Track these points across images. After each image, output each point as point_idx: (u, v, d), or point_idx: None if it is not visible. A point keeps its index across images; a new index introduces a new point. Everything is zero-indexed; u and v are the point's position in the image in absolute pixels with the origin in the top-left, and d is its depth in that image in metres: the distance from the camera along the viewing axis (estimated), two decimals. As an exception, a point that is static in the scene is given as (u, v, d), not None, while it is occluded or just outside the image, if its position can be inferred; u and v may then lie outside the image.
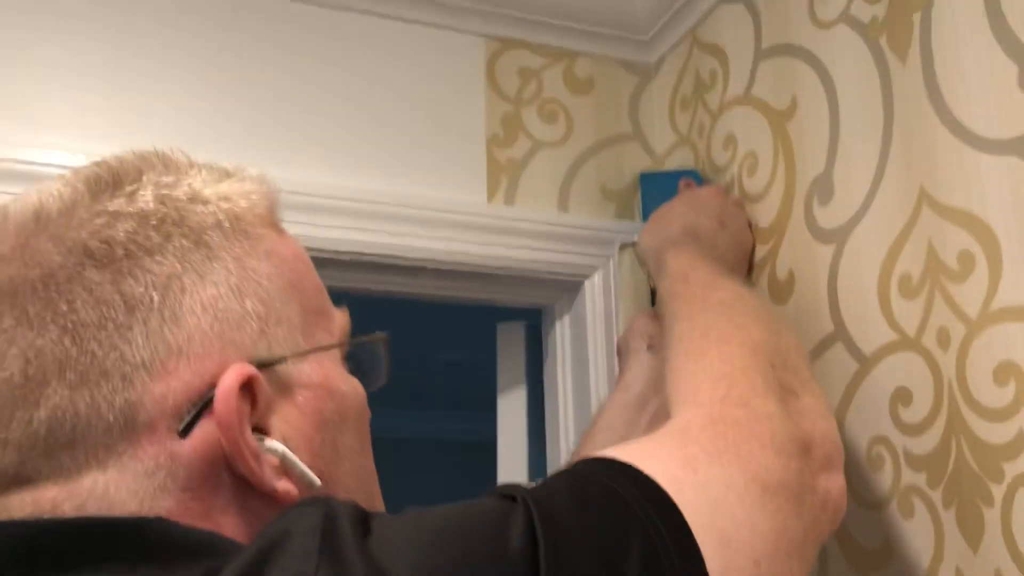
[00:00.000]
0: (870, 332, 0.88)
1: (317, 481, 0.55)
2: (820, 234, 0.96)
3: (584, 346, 1.18)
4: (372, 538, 0.47)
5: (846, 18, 0.95)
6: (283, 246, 0.62)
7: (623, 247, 1.19)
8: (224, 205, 0.59)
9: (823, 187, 0.96)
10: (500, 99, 1.22)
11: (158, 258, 0.54)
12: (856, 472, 0.87)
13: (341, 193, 1.09)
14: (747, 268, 1.04)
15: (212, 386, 0.53)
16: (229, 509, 0.53)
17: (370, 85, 1.17)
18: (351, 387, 0.61)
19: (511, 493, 0.50)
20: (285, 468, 0.54)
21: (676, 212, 1.02)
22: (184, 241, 0.55)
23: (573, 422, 1.19)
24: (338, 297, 0.67)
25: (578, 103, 1.25)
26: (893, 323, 0.86)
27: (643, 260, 1.03)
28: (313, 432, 0.57)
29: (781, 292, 1.01)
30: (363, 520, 0.48)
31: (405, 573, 0.45)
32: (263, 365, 0.55)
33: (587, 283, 1.19)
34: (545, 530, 0.47)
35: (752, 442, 0.58)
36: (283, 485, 0.53)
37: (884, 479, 0.85)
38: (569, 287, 1.21)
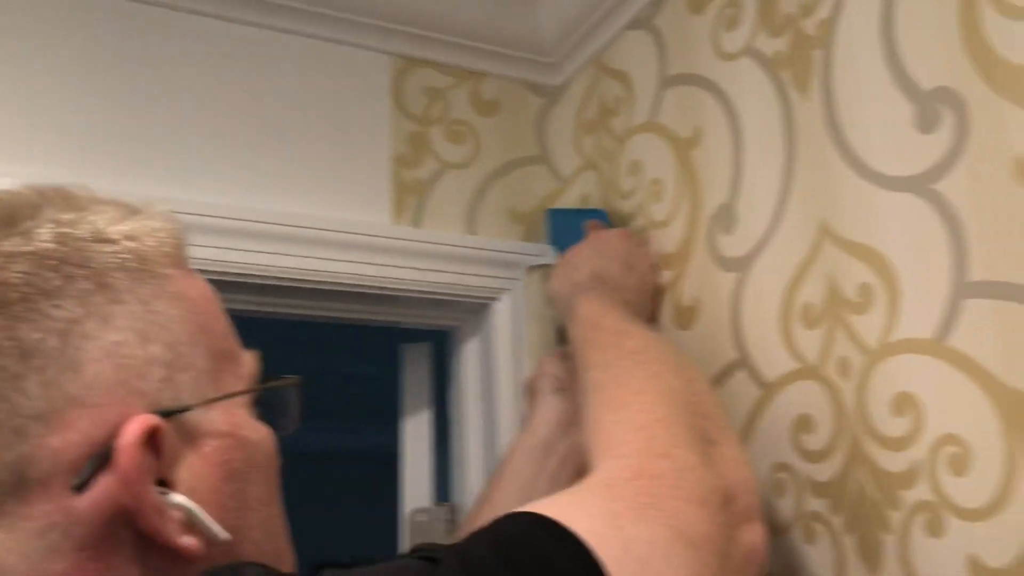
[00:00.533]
0: (773, 360, 0.90)
1: (224, 535, 0.53)
2: (724, 263, 0.98)
3: (492, 368, 1.17)
4: None
5: (750, 51, 0.97)
6: (191, 287, 0.59)
7: (531, 269, 1.18)
8: (130, 244, 0.56)
9: (727, 216, 0.98)
10: (406, 118, 1.20)
11: (57, 302, 0.51)
12: (759, 497, 0.89)
13: (241, 214, 1.06)
14: (653, 311, 1.05)
15: (113, 437, 0.50)
16: (129, 568, 0.51)
17: (272, 102, 1.13)
18: (261, 435, 0.59)
19: (433, 555, 0.49)
20: (190, 522, 0.52)
21: (584, 257, 1.02)
22: (86, 283, 0.52)
23: (480, 444, 1.18)
24: (244, 329, 0.65)
25: (485, 124, 1.25)
26: (795, 352, 0.88)
27: (553, 305, 1.03)
28: (221, 483, 0.55)
29: (686, 319, 1.02)
30: None
31: None
32: (168, 414, 0.52)
33: (495, 305, 1.18)
34: None
35: (676, 496, 0.58)
36: (188, 540, 0.51)
37: (786, 504, 0.87)
38: (476, 309, 1.20)
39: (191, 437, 0.54)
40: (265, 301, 1.11)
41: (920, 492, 0.74)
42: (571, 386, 0.99)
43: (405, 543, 1.22)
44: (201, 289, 0.61)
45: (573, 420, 0.98)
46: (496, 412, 1.15)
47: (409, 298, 1.15)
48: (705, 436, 0.68)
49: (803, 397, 0.87)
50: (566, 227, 1.15)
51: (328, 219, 1.10)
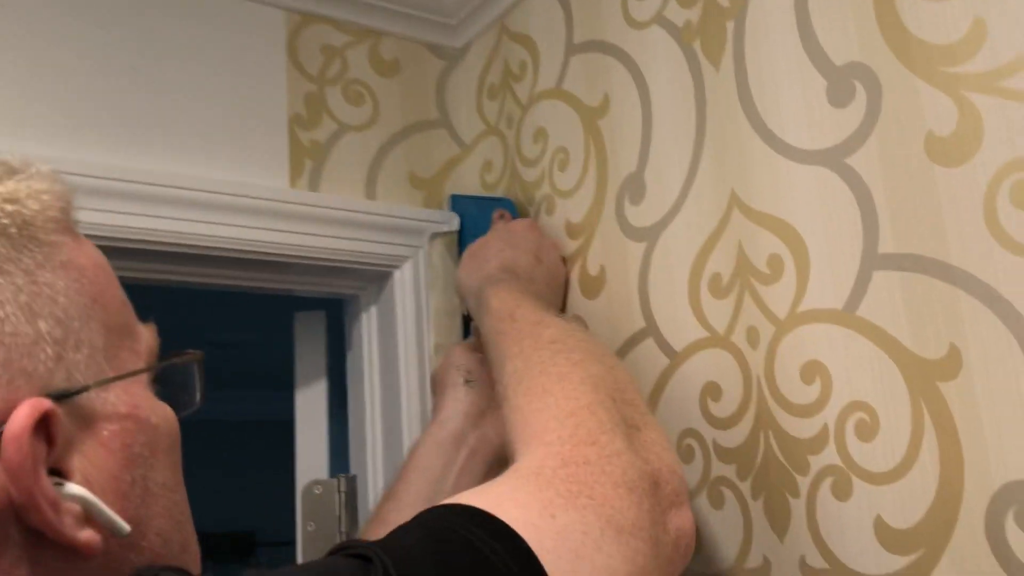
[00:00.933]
0: (680, 329, 0.91)
1: (126, 528, 0.49)
2: (631, 232, 0.98)
3: (392, 338, 1.14)
4: None
5: (660, 20, 0.97)
6: (81, 255, 0.54)
7: (433, 237, 1.16)
8: (9, 208, 0.50)
9: (635, 186, 0.98)
10: (303, 77, 1.15)
11: None
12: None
13: (129, 175, 0.99)
14: (562, 301, 1.04)
15: (2, 419, 0.45)
16: (19, 569, 0.46)
17: (161, 56, 1.06)
18: (163, 415, 0.55)
19: (363, 552, 0.47)
20: (88, 515, 0.47)
21: (493, 248, 1.00)
22: None
23: (380, 415, 1.15)
24: (141, 308, 0.60)
25: (384, 85, 1.21)
26: (703, 321, 0.89)
27: (462, 297, 1.01)
28: (121, 471, 0.50)
29: (592, 287, 1.02)
30: None
31: None
32: (61, 397, 0.48)
33: (396, 273, 1.15)
34: None
35: (604, 482, 0.58)
36: (86, 535, 0.47)
37: (694, 470, 0.88)
38: (376, 277, 1.17)
39: (87, 421, 0.50)
40: (152, 268, 1.04)
41: (827, 457, 0.77)
42: (481, 378, 0.98)
43: (300, 515, 1.18)
44: (93, 257, 0.56)
45: (483, 412, 0.97)
46: (397, 383, 1.13)
47: (306, 265, 1.11)
48: (629, 422, 0.67)
49: (711, 365, 0.88)
50: (470, 214, 1.13)
51: (221, 181, 1.04)
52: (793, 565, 0.79)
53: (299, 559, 1.16)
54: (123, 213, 0.99)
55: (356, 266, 1.13)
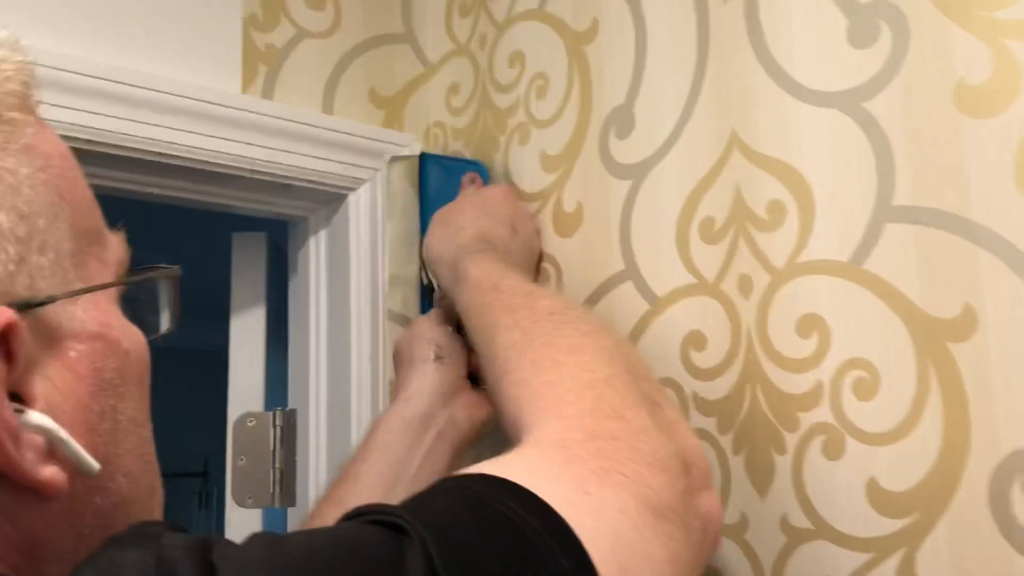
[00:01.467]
0: (664, 274, 0.87)
1: (95, 466, 0.42)
2: (615, 168, 0.92)
3: (344, 265, 1.06)
4: None
5: (662, -57, 0.90)
6: (46, 141, 0.46)
7: (393, 160, 1.08)
8: None
9: (622, 120, 0.92)
10: (260, -27, 1.05)
11: None
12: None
13: (54, 61, 0.87)
14: (536, 276, 0.98)
15: None
16: None
17: (99, -69, 0.94)
18: (133, 339, 0.48)
19: (395, 520, 0.40)
20: (52, 449, 0.40)
21: (467, 216, 0.92)
22: None
23: (326, 348, 1.08)
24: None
25: (347, -9, 1.11)
26: (690, 266, 0.84)
27: (433, 268, 0.92)
28: (90, 400, 0.43)
29: (567, 225, 0.97)
30: (206, 564, 0.37)
31: None
32: (23, 307, 0.40)
33: (351, 196, 1.07)
34: None
35: (637, 460, 0.52)
36: (49, 473, 0.40)
37: (670, 422, 0.84)
38: (329, 199, 1.08)
39: (52, 339, 0.42)
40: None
41: (820, 414, 0.74)
42: (451, 355, 0.91)
43: (231, 448, 1.11)
44: (59, 146, 0.48)
45: (452, 392, 0.89)
46: (347, 316, 1.05)
47: (254, 180, 1.02)
48: (649, 397, 0.61)
49: (696, 314, 0.84)
50: (439, 176, 1.06)
51: (166, 79, 0.94)
52: (773, 523, 0.76)
53: (228, 494, 1.09)
54: (52, 106, 0.88)
55: (308, 185, 1.04)
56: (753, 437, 0.78)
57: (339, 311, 1.06)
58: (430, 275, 0.96)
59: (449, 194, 1.02)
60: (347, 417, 1.03)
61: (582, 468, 0.50)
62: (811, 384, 0.74)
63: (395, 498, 0.83)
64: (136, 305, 0.51)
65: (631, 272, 0.90)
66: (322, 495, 0.87)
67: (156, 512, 0.48)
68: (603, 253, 0.92)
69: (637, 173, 0.90)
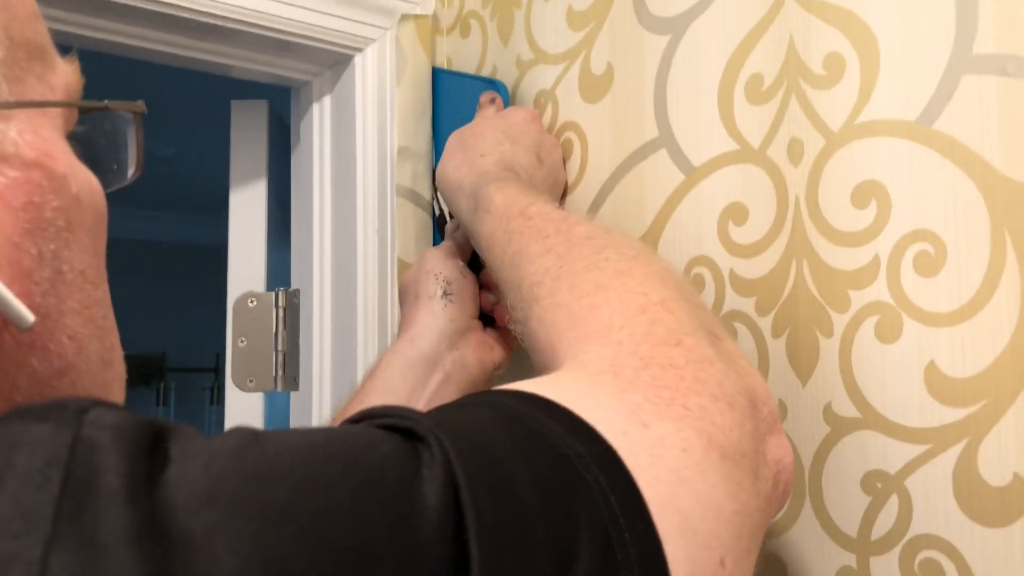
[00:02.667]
0: (703, 140, 0.78)
1: (29, 318, 0.34)
2: (651, 22, 0.83)
3: (350, 135, 0.98)
4: (166, 491, 0.28)
5: None
6: None
7: (404, 19, 0.98)
8: None
9: (660, -33, 0.82)
10: None
11: None
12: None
13: None
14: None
15: None
16: None
17: None
18: (84, 182, 0.40)
19: (412, 426, 0.33)
20: None
21: (488, 140, 0.82)
22: None
23: (330, 225, 1.01)
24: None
25: None
26: (733, 131, 0.76)
27: (448, 196, 0.82)
28: (23, 238, 0.36)
29: (595, 90, 0.87)
30: (152, 450, 0.29)
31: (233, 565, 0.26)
32: None
33: (357, 58, 0.98)
34: (477, 508, 0.31)
35: (700, 392, 0.44)
36: None
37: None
38: (334, 61, 0.99)
39: None
40: (59, 16, 0.85)
41: (874, 292, 0.66)
42: (461, 291, 0.82)
43: (231, 329, 1.05)
44: None
45: (462, 331, 0.81)
46: (352, 191, 0.98)
47: (251, 35, 0.92)
48: (709, 327, 0.53)
49: (737, 183, 0.75)
50: (454, 95, 0.95)
51: (151, -84, 0.84)
52: (815, 412, 0.69)
53: (228, 376, 1.03)
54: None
55: (310, 43, 0.95)
56: (796, 318, 0.71)
57: (344, 184, 0.99)
58: (443, 204, 0.88)
59: (464, 115, 0.93)
60: (353, 297, 0.96)
61: (637, 397, 0.42)
62: (866, 259, 0.66)
63: None
64: (92, 148, 0.43)
65: (665, 139, 0.81)
66: None
67: (114, 391, 0.40)
68: (635, 119, 0.84)
69: (676, 27, 0.81)
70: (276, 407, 1.07)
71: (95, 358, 0.39)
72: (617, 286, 0.55)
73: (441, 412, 0.37)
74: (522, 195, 0.73)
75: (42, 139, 0.38)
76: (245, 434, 0.32)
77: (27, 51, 0.39)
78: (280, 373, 1.03)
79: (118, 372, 0.41)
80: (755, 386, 0.50)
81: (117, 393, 0.41)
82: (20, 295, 0.34)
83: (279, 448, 0.31)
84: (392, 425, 0.34)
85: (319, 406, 1.00)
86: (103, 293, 0.41)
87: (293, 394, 1.03)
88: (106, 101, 0.45)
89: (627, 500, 0.35)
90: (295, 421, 1.04)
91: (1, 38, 0.38)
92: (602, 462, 0.36)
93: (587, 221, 0.67)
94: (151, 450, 0.29)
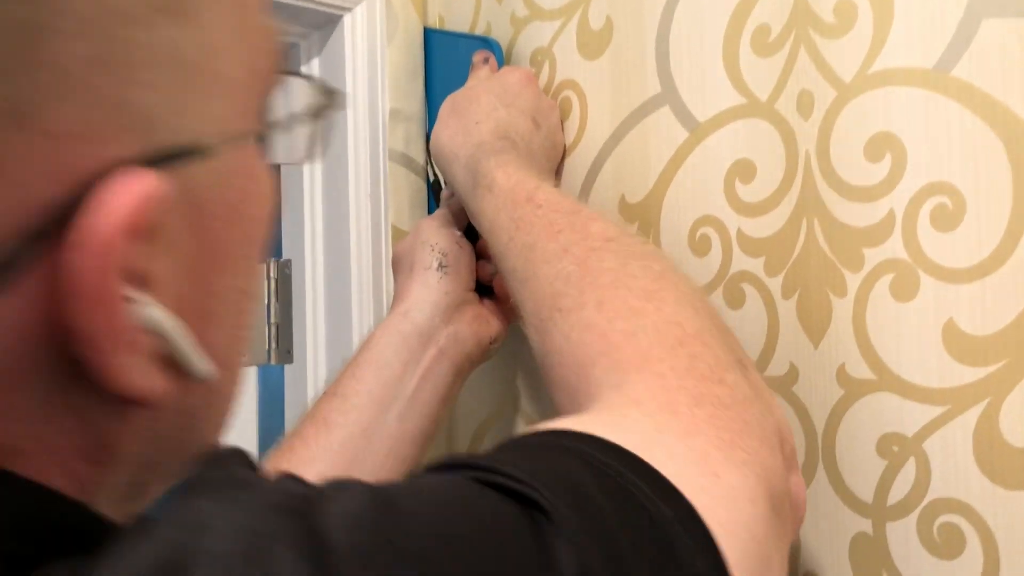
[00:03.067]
0: (708, 94, 0.75)
1: (213, 374, 0.31)
2: (651, -26, 0.80)
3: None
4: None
5: None
6: None
7: (394, -25, 0.95)
8: None
9: (660, -84, 0.79)
10: None
11: None
12: (674, 258, 0.76)
13: None
14: (553, 179, 0.84)
15: (72, 205, 0.26)
16: (31, 418, 0.28)
17: None
18: (268, 192, 0.36)
19: (527, 493, 0.31)
20: (162, 352, 0.29)
21: (483, 106, 0.79)
22: None
23: (321, 192, 0.98)
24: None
25: None
26: (740, 84, 0.73)
27: (443, 166, 0.80)
28: (216, 281, 0.32)
29: (593, 46, 0.84)
30: (310, 538, 0.28)
31: None
32: (166, 159, 0.28)
33: (347, 18, 0.94)
34: None
35: (751, 434, 0.43)
36: (154, 383, 0.29)
37: (709, 265, 0.74)
38: (322, 21, 0.95)
39: (189, 205, 0.30)
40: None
41: (889, 249, 0.63)
42: (457, 263, 0.79)
43: (222, 305, 1.02)
44: None
45: (457, 305, 0.78)
46: (344, 157, 0.94)
47: (236, -3, 0.89)
48: (740, 359, 0.52)
49: (744, 139, 0.73)
50: (447, 56, 0.92)
51: None
52: (828, 374, 0.67)
53: (220, 352, 1.00)
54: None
55: (297, 2, 0.91)
56: (807, 278, 0.68)
57: (335, 149, 0.95)
58: (437, 171, 0.84)
59: (458, 75, 0.89)
60: (346, 266, 0.94)
61: (702, 441, 0.40)
62: (881, 214, 0.64)
63: (387, 422, 0.74)
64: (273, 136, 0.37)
65: (668, 95, 0.78)
66: (306, 412, 0.78)
67: (231, 405, 0.37)
68: (636, 75, 0.80)
69: (677, -21, 0.77)
70: (270, 381, 1.05)
71: (238, 382, 0.36)
72: (651, 311, 0.53)
73: (532, 464, 0.35)
74: (525, 175, 0.70)
75: (247, 158, 0.33)
76: (368, 496, 0.30)
77: (256, 47, 0.34)
78: (274, 346, 1.00)
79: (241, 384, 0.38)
80: (781, 422, 0.49)
81: (232, 404, 0.38)
82: (204, 344, 0.30)
83: (415, 518, 0.29)
84: (502, 486, 0.32)
85: (314, 379, 0.98)
86: (253, 302, 0.37)
87: (287, 367, 1.01)
88: (334, 99, 0.40)
89: (714, 564, 0.34)
90: (290, 394, 1.02)
91: (247, 49, 0.33)
92: (688, 526, 0.35)
93: (600, 216, 0.64)
94: (310, 532, 0.27)
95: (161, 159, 0.28)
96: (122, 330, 0.27)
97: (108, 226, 0.26)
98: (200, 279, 0.31)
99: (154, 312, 0.28)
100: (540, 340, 0.60)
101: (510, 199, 0.68)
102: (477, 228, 0.75)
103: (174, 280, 0.29)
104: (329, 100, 0.40)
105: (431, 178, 0.94)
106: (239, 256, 0.34)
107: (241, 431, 1.14)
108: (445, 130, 0.80)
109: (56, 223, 0.26)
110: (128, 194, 0.26)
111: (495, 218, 0.69)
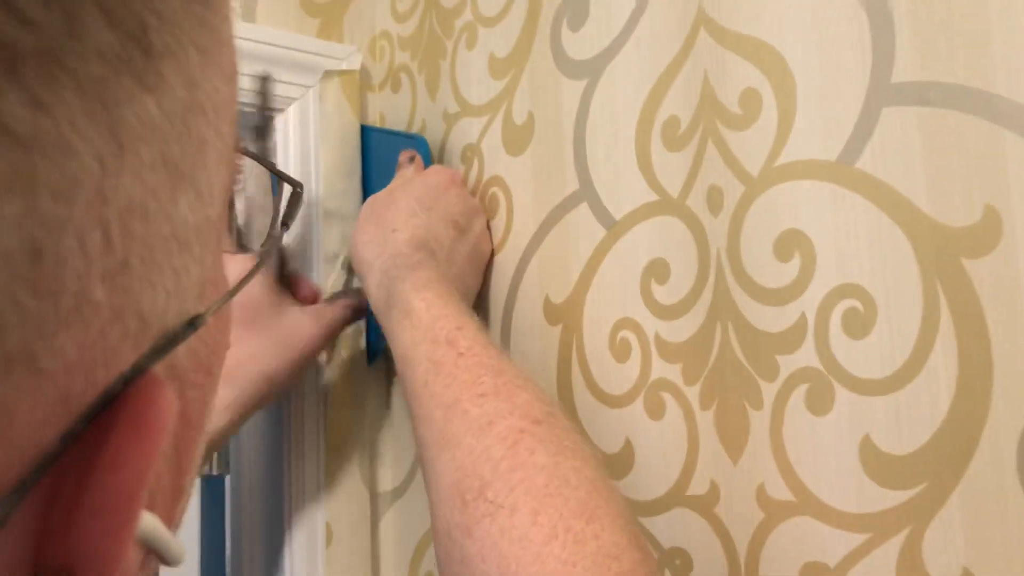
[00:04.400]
0: (623, 191, 0.71)
1: (182, 558, 0.27)
2: (568, 66, 0.76)
3: (272, 200, 0.93)
4: None
5: None
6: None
7: (327, 75, 0.93)
8: None
9: (576, 7, 0.76)
10: None
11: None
12: (597, 363, 0.71)
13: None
14: (480, 286, 0.81)
15: (74, 434, 0.20)
16: None
17: None
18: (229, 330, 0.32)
19: None
20: (143, 549, 0.25)
21: (402, 211, 0.76)
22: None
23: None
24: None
25: None
26: (652, 180, 0.69)
27: (359, 270, 0.77)
28: (188, 456, 0.27)
29: (518, 141, 0.81)
30: None
31: None
32: (160, 351, 0.22)
33: (280, 118, 0.93)
34: None
35: None
36: None
37: (629, 371, 0.69)
38: (256, 121, 0.94)
39: (175, 383, 0.25)
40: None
41: (803, 357, 0.58)
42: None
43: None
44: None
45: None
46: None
47: (164, 102, 0.88)
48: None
49: (658, 237, 0.68)
50: (383, 152, 0.90)
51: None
52: (748, 494, 0.61)
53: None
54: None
55: (227, 106, 0.90)
56: (724, 388, 0.62)
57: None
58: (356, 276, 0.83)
59: (391, 173, 0.87)
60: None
61: None
62: (792, 319, 0.58)
63: None
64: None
65: (586, 191, 0.74)
66: None
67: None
68: (556, 171, 0.77)
69: (592, 69, 0.74)
70: (213, 490, 1.01)
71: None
72: (590, 538, 0.51)
73: None
74: (445, 305, 0.66)
75: (220, 288, 0.27)
76: None
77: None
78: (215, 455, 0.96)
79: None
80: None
81: None
82: (171, 518, 0.26)
83: None
84: None
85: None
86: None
87: (228, 476, 0.97)
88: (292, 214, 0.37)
89: None
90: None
91: (225, 189, 0.27)
92: None
93: (524, 383, 0.60)
94: None
95: (155, 354, 0.22)
96: (126, 547, 0.22)
97: (148, 443, 0.21)
98: (177, 463, 0.26)
99: (148, 521, 0.23)
100: (459, 532, 0.54)
101: (429, 335, 0.63)
102: (390, 346, 0.70)
103: (162, 474, 0.25)
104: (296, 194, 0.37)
105: (346, 265, 0.91)
106: (205, 416, 0.28)
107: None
108: (362, 236, 0.77)
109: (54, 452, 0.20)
110: (164, 403, 0.22)
111: (412, 351, 0.64)
